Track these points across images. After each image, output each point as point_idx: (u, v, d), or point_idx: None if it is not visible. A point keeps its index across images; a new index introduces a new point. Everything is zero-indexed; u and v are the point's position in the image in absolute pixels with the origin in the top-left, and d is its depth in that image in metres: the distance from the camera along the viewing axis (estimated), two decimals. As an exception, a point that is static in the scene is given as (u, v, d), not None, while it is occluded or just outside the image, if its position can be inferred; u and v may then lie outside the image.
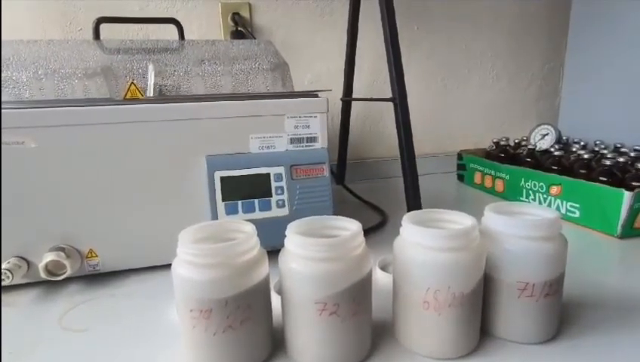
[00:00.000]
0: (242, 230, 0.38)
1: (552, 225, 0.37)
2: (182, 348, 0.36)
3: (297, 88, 0.89)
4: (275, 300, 0.40)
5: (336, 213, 0.55)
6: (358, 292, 0.35)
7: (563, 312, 0.43)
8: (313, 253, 0.33)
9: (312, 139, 0.57)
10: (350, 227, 0.37)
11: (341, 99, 0.95)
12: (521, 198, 0.82)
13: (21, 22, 0.82)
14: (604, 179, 0.69)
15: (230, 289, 0.33)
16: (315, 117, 0.57)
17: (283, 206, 0.56)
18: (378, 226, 0.71)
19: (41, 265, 0.48)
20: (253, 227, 0.37)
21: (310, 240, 0.33)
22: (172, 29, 0.75)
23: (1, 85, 0.53)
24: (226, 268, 0.33)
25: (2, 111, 0.46)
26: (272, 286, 0.40)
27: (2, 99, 0.53)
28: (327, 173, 0.57)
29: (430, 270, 0.34)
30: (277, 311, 0.39)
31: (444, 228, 0.39)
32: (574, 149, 0.85)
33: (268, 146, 0.56)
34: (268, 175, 0.55)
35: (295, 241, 0.34)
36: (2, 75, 0.53)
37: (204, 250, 0.33)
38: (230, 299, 0.33)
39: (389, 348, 0.38)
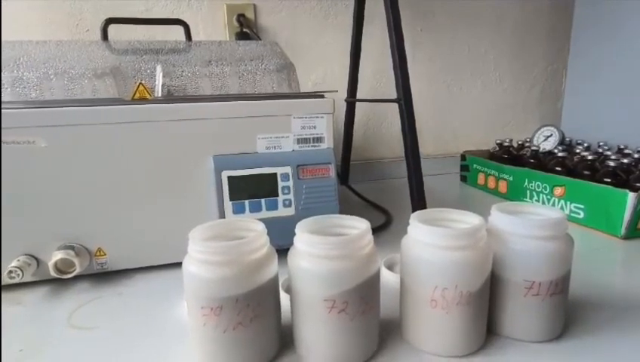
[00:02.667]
0: (252, 228, 0.38)
1: (559, 224, 0.37)
2: (191, 346, 0.37)
3: (302, 89, 0.90)
4: (283, 299, 0.40)
5: (341, 213, 0.56)
6: (367, 291, 0.35)
7: (568, 312, 0.43)
8: (323, 251, 0.34)
9: (318, 140, 0.58)
10: (359, 225, 0.37)
11: (345, 100, 0.95)
12: (524, 199, 0.82)
13: (28, 23, 0.82)
14: (608, 180, 0.69)
15: (241, 286, 0.33)
16: (322, 117, 0.57)
17: (289, 205, 0.56)
18: (382, 226, 0.71)
19: (50, 263, 0.48)
20: (263, 225, 0.37)
21: (319, 239, 0.34)
22: (178, 30, 0.76)
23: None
24: (236, 265, 0.33)
25: (13, 111, 0.47)
26: (279, 284, 0.40)
27: (13, 100, 0.53)
28: (333, 173, 0.58)
29: (438, 268, 0.35)
30: (285, 309, 0.39)
31: (451, 227, 0.39)
32: (578, 150, 0.85)
33: (274, 146, 0.56)
34: (275, 175, 0.55)
35: (304, 240, 0.35)
36: (13, 75, 0.54)
37: (215, 248, 0.33)
38: (241, 297, 0.33)
39: (396, 345, 0.39)
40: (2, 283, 0.49)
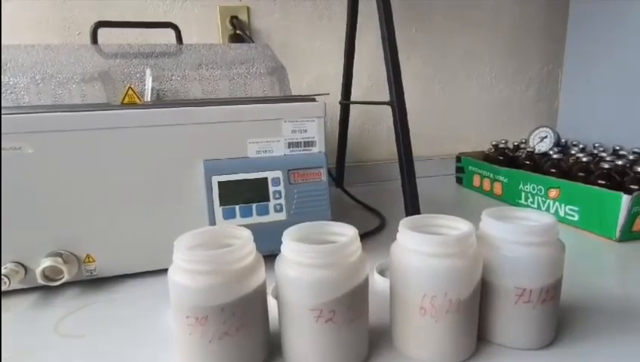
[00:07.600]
0: (239, 236, 0.38)
1: (550, 230, 0.37)
2: (177, 355, 0.36)
3: (296, 91, 0.89)
4: (273, 306, 0.39)
5: (334, 217, 0.55)
6: (354, 299, 0.34)
7: (561, 316, 0.43)
8: (308, 260, 0.33)
9: (309, 144, 0.57)
10: (346, 233, 0.37)
11: (340, 103, 0.95)
12: (519, 201, 0.82)
13: (20, 26, 0.82)
14: (603, 182, 0.69)
15: (226, 296, 0.33)
16: (313, 121, 0.57)
17: (281, 210, 0.56)
18: (376, 230, 0.71)
19: (38, 271, 0.48)
20: (250, 233, 0.37)
21: (305, 247, 0.33)
22: (170, 33, 0.75)
23: (0, 91, 0.53)
24: (221, 274, 0.33)
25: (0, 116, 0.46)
26: (269, 290, 0.40)
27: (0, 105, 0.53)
28: (324, 177, 0.57)
29: (426, 276, 0.34)
30: (274, 316, 0.39)
31: (440, 233, 0.39)
32: (573, 152, 0.85)
33: (265, 151, 0.56)
34: (265, 179, 0.55)
35: (291, 247, 0.34)
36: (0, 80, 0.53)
37: (199, 257, 0.33)
38: (226, 306, 0.33)
39: (386, 353, 0.38)
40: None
